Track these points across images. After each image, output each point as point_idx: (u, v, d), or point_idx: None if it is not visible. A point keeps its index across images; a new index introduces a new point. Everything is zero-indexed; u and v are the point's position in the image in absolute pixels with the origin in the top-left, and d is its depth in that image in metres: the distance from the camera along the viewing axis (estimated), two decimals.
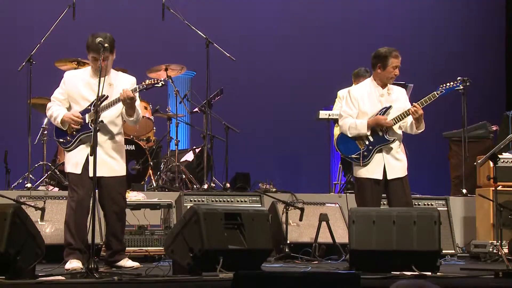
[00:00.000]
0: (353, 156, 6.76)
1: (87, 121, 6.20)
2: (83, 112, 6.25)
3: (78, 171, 6.17)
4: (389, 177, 6.69)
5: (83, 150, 6.19)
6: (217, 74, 9.24)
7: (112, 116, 6.29)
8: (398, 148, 6.78)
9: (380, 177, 6.69)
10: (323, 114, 9.41)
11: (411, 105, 6.72)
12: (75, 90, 6.32)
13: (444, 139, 9.81)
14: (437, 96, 6.72)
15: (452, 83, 6.80)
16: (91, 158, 5.70)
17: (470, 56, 12.51)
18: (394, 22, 12.44)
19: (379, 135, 6.73)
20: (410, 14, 12.70)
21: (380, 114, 6.74)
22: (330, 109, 9.57)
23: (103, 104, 6.10)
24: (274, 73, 11.90)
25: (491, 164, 7.05)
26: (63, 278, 5.37)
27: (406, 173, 6.79)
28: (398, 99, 6.83)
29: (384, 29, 12.19)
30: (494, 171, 6.95)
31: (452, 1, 13.02)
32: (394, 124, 6.72)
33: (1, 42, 10.77)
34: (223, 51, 9.06)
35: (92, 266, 5.32)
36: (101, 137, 6.14)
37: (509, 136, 7.46)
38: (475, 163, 8.12)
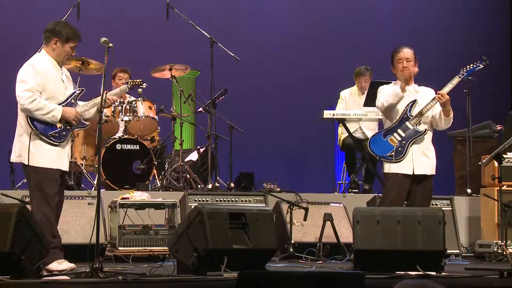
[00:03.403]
0: (388, 154, 6.73)
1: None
2: (69, 105, 6.04)
3: (65, 167, 5.98)
4: (416, 172, 6.70)
5: (67, 146, 6.02)
6: (221, 73, 9.24)
7: None
8: (429, 145, 6.79)
9: (410, 171, 6.69)
10: (327, 113, 9.40)
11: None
12: (51, 83, 6.03)
13: (448, 138, 9.79)
14: (460, 79, 6.75)
15: (472, 65, 6.84)
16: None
17: (474, 55, 12.43)
18: (397, 23, 12.42)
19: (409, 128, 6.73)
20: (413, 14, 12.68)
21: (407, 108, 6.76)
22: (334, 109, 9.57)
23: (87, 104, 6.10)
24: (278, 72, 11.90)
25: (496, 163, 7.05)
26: (68, 277, 5.39)
27: (434, 173, 6.79)
28: (425, 96, 6.85)
29: (388, 29, 12.17)
30: (499, 171, 6.95)
31: (455, 0, 13.00)
32: (425, 111, 6.70)
33: (5, 42, 10.78)
34: (227, 51, 9.06)
35: (97, 265, 5.32)
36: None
37: None
38: (479, 163, 8.10)
